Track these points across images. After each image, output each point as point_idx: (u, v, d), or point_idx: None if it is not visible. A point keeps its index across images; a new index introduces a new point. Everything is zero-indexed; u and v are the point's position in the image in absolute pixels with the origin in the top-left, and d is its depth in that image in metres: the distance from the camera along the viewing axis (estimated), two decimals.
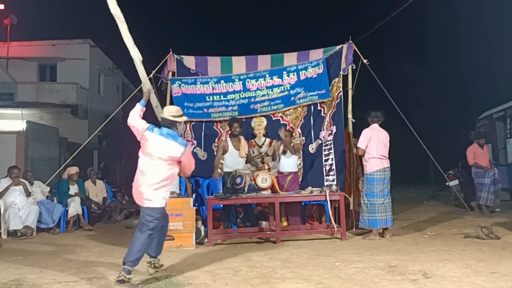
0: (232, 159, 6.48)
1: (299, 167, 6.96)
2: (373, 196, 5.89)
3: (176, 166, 4.00)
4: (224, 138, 6.85)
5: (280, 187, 6.49)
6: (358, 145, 5.99)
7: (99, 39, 18.90)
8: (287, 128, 7.03)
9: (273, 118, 7.43)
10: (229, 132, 6.78)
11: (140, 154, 4.02)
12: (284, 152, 6.62)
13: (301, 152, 6.94)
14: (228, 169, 6.39)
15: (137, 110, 4.12)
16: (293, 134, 7.08)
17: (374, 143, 5.92)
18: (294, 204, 6.45)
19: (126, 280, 3.68)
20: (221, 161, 6.63)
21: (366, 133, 5.98)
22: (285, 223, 6.50)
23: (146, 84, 4.50)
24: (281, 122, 7.42)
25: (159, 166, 3.92)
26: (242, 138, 6.69)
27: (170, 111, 4.11)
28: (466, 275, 3.77)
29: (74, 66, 17.56)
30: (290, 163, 6.63)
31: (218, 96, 7.34)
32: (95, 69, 18.98)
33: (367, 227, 5.91)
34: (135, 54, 4.60)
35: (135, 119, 4.08)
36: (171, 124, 4.03)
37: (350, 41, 7.02)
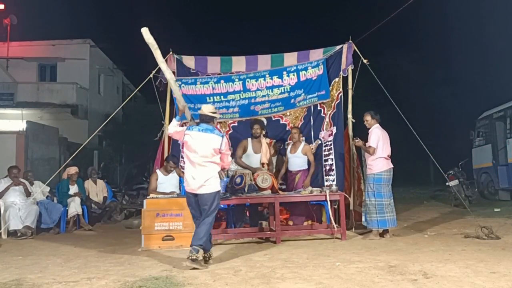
0: (248, 161, 6.49)
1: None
2: (381, 196, 5.88)
3: (217, 155, 4.62)
4: (246, 138, 6.76)
5: (291, 185, 6.50)
6: (371, 144, 5.89)
7: (99, 39, 18.97)
8: (294, 126, 7.07)
9: (273, 119, 7.42)
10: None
11: (185, 151, 4.67)
12: (292, 151, 6.66)
13: (311, 153, 6.83)
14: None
15: (174, 124, 4.75)
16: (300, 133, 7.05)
17: (382, 143, 5.92)
18: (300, 203, 6.45)
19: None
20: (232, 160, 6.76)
21: (378, 132, 5.93)
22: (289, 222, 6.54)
23: (181, 101, 4.90)
24: (281, 122, 7.42)
25: (204, 158, 4.54)
26: (264, 142, 6.67)
27: (208, 109, 4.79)
28: (466, 275, 3.77)
29: (74, 66, 17.58)
30: (298, 162, 6.64)
31: (218, 97, 7.32)
32: (95, 69, 19.00)
33: (375, 228, 5.86)
34: (169, 75, 5.09)
35: (175, 129, 4.72)
36: (209, 119, 4.71)
37: (350, 41, 7.01)
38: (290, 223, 6.55)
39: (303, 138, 7.11)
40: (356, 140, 6.14)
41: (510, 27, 16.78)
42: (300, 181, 6.58)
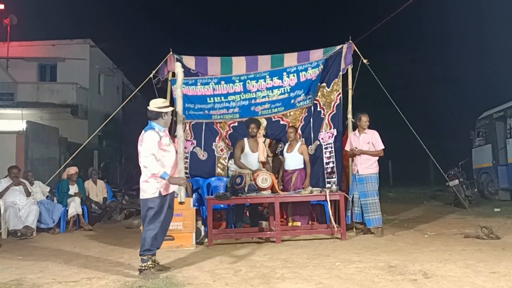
0: (246, 161, 6.51)
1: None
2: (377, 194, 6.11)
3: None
4: (242, 138, 6.81)
5: (287, 185, 6.51)
6: (382, 146, 6.11)
7: (99, 39, 18.98)
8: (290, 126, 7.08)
9: (273, 119, 7.42)
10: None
11: None
12: (288, 150, 6.66)
13: (307, 153, 6.81)
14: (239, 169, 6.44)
15: None
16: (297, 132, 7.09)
17: None
18: (302, 203, 6.45)
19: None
20: (231, 161, 6.90)
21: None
22: (297, 223, 6.52)
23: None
24: (281, 122, 7.42)
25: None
26: (260, 141, 6.73)
27: (155, 103, 4.24)
28: (466, 275, 3.77)
29: (74, 66, 17.59)
30: (294, 161, 6.63)
31: (218, 98, 7.33)
32: (95, 69, 18.99)
33: (378, 225, 6.01)
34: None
35: None
36: (156, 116, 4.20)
37: (350, 41, 7.00)
38: (298, 223, 6.53)
39: (303, 139, 7.12)
40: (358, 151, 6.14)
41: (510, 27, 16.78)
42: (297, 181, 6.56)
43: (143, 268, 4.05)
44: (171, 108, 4.32)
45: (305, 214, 6.60)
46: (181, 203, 4.19)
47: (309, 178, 6.57)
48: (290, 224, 6.58)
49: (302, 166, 6.64)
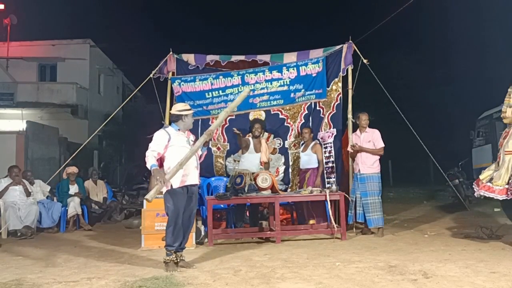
0: (248, 160, 6.51)
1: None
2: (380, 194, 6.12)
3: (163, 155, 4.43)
4: (247, 137, 6.81)
5: (301, 183, 6.59)
6: (382, 145, 6.11)
7: (99, 39, 18.97)
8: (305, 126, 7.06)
9: (272, 112, 7.41)
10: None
11: None
12: (303, 150, 6.72)
13: (321, 153, 6.80)
14: (240, 168, 6.43)
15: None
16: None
17: None
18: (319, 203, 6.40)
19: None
20: (235, 159, 6.88)
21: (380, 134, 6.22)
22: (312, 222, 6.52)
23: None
24: (280, 116, 7.40)
25: None
26: (263, 141, 6.76)
27: (176, 107, 4.59)
28: (466, 275, 3.77)
29: (74, 66, 17.58)
30: (308, 160, 6.68)
31: (217, 92, 7.35)
32: (95, 69, 18.99)
33: (381, 225, 6.03)
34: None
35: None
36: (177, 118, 4.49)
37: (350, 41, 7.00)
38: (313, 222, 6.48)
39: (312, 135, 7.13)
40: (357, 147, 6.13)
41: (510, 27, 16.78)
42: (310, 180, 6.59)
43: (166, 261, 4.31)
44: (190, 111, 4.55)
45: (321, 213, 6.58)
46: (146, 199, 4.25)
47: (320, 177, 6.60)
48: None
49: (316, 165, 6.68)
